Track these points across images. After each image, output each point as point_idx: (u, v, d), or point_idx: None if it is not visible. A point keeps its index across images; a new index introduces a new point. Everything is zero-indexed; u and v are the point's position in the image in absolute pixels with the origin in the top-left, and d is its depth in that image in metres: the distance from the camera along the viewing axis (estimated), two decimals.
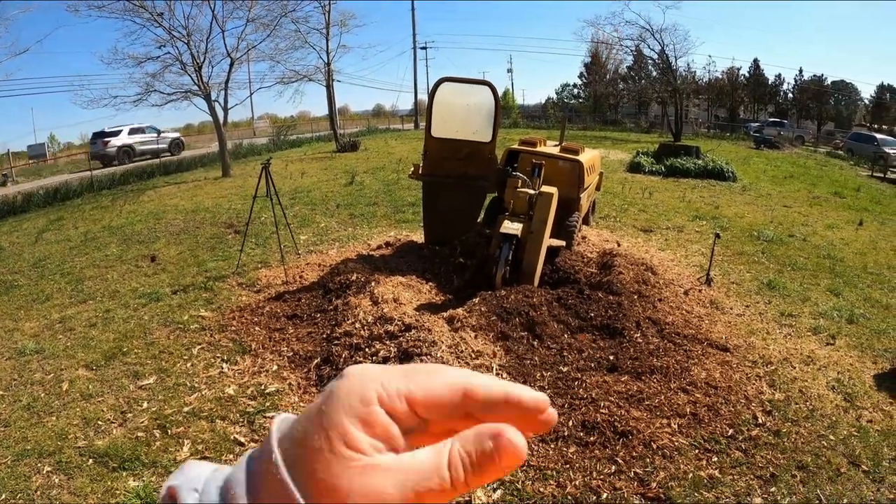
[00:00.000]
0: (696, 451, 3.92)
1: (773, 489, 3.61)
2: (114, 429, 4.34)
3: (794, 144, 34.40)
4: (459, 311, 5.36)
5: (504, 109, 57.25)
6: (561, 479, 3.57)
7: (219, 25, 19.50)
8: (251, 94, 29.09)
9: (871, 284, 7.96)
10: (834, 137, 38.34)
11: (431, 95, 7.03)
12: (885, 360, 5.61)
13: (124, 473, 3.80)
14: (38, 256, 9.99)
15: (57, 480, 3.78)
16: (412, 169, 7.62)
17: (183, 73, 19.33)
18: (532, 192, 6.35)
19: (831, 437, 4.21)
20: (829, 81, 54.43)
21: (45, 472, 3.88)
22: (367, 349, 4.84)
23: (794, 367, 5.29)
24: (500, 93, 7.29)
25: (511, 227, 6.09)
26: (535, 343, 5.07)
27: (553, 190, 6.33)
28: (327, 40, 26.79)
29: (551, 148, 8.19)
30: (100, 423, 4.43)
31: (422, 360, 4.49)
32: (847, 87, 54.61)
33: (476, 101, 7.10)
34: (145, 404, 4.66)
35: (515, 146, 7.91)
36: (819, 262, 8.85)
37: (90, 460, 3.96)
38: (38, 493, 3.67)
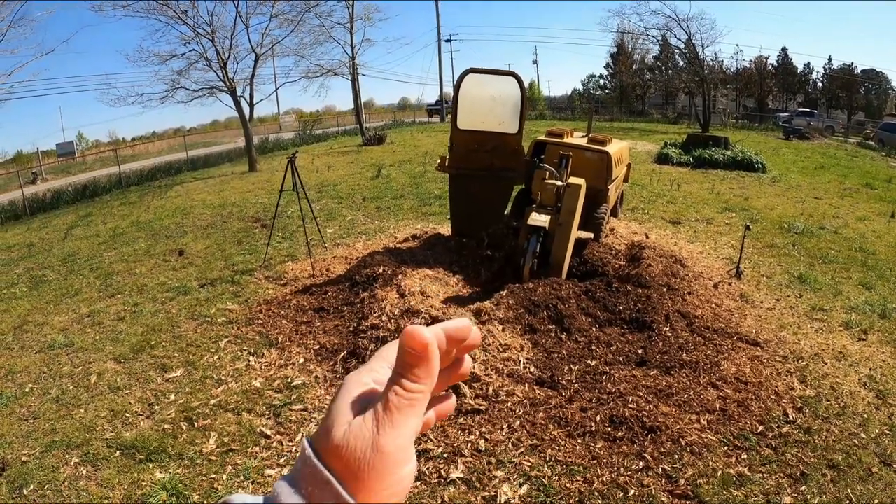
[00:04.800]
0: (726, 447, 3.84)
1: (803, 488, 3.52)
2: (141, 421, 4.40)
3: (823, 135, 33.59)
4: (487, 303, 5.32)
5: (530, 101, 56.97)
6: (588, 475, 3.53)
7: (243, 21, 19.66)
8: (276, 88, 29.26)
9: None
10: (865, 127, 37.29)
11: (457, 87, 6.95)
12: None
13: (151, 465, 3.85)
14: (67, 252, 10.17)
15: (84, 472, 3.84)
16: (438, 161, 7.59)
17: (208, 70, 19.54)
18: (560, 183, 6.28)
19: (863, 435, 4.08)
20: (859, 70, 53.05)
21: (72, 463, 3.94)
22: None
23: (826, 363, 5.15)
24: (525, 84, 7.20)
25: (539, 219, 6.04)
26: (563, 336, 5.01)
27: (581, 181, 6.25)
28: (351, 34, 26.81)
29: (578, 139, 8.09)
30: (127, 415, 4.49)
31: None
32: (878, 76, 53.08)
33: (502, 93, 7.03)
34: (172, 397, 4.71)
35: (542, 137, 7.83)
36: (851, 255, 8.62)
37: (117, 452, 4.02)
38: (66, 483, 3.73)
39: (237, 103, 19.98)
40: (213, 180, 18.47)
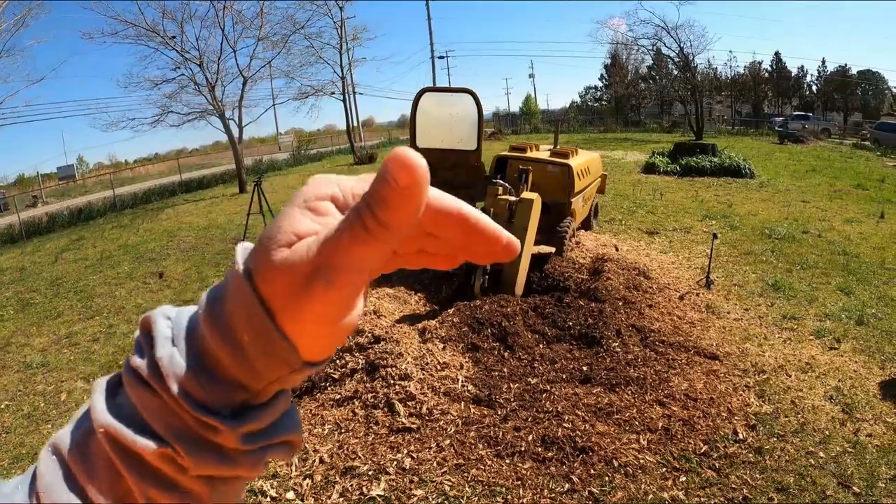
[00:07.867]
0: (663, 469, 3.65)
1: None
2: None
3: (819, 137, 33.39)
4: (432, 322, 5.29)
5: (526, 115, 57.24)
6: (509, 497, 3.40)
7: (230, 46, 19.86)
8: (265, 110, 29.80)
9: (888, 281, 7.41)
10: (861, 128, 37.03)
11: (414, 106, 7.02)
12: (894, 364, 5.13)
13: None
14: (55, 275, 10.37)
15: None
16: None
17: (198, 94, 19.72)
18: (513, 199, 6.25)
19: (821, 454, 3.83)
20: (854, 71, 52.81)
21: None
22: (337, 361, 4.82)
23: (790, 376, 4.91)
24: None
25: None
26: (506, 354, 4.93)
27: (534, 196, 6.22)
28: (340, 55, 27.05)
29: (542, 153, 8.07)
30: None
31: (387, 372, 4.45)
32: (874, 77, 52.76)
33: (459, 110, 7.09)
34: None
35: (504, 153, 7.82)
36: (832, 259, 8.41)
37: None
38: None
39: (226, 126, 20.14)
40: (204, 202, 18.64)
